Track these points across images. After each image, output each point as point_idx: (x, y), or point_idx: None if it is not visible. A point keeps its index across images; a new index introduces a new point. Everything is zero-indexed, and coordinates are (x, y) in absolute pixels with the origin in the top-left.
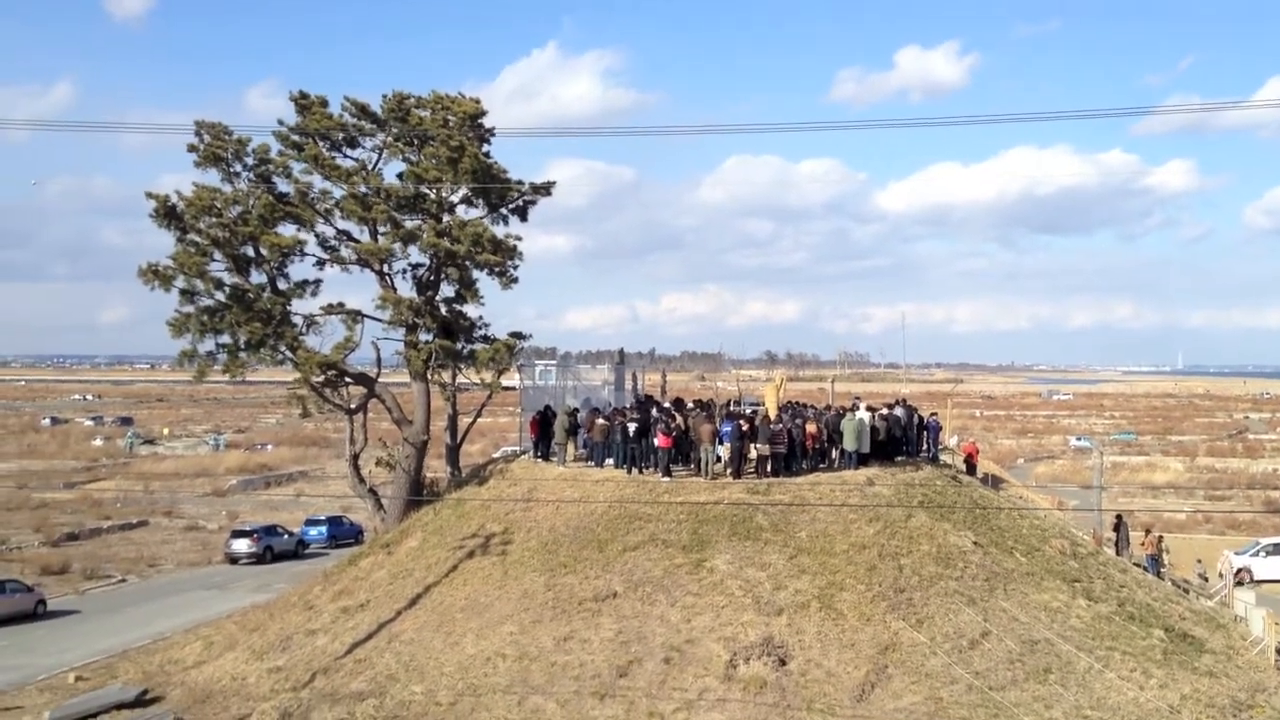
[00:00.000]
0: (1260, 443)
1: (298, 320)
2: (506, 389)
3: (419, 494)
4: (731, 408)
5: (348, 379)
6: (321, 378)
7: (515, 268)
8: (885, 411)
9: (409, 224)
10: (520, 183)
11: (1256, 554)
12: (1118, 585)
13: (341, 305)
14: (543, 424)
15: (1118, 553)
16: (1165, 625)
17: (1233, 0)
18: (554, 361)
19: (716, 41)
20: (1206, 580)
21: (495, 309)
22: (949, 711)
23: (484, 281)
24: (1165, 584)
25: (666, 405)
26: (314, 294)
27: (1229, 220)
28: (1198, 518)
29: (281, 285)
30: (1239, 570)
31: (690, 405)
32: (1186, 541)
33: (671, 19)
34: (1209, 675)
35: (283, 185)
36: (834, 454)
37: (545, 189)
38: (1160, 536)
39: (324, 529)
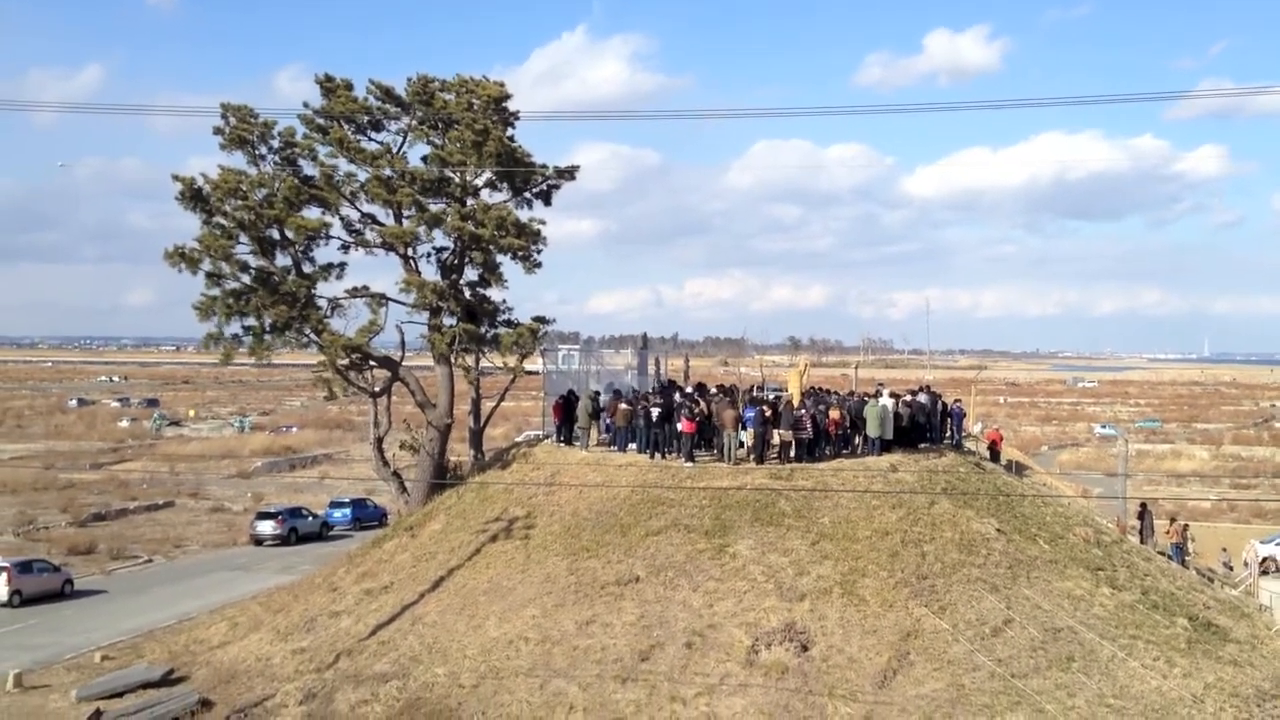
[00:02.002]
0: None
1: (322, 303)
2: (530, 373)
3: (442, 477)
4: (755, 393)
5: (372, 362)
6: (346, 361)
7: (539, 252)
8: (909, 398)
9: (433, 207)
10: (544, 167)
11: None
12: (1141, 574)
13: (366, 289)
14: (566, 408)
15: (1142, 541)
16: (1189, 614)
17: None
18: (577, 346)
19: (744, 25)
20: (1231, 569)
21: (519, 293)
22: (971, 699)
23: (507, 265)
24: (1189, 573)
25: (689, 390)
26: (339, 277)
27: (1259, 207)
28: (1223, 506)
29: (306, 268)
30: (1264, 559)
31: (713, 390)
32: (1211, 530)
33: (700, 3)
34: (1233, 664)
35: (308, 168)
36: (857, 440)
37: (569, 173)
38: (1185, 525)
39: (348, 511)
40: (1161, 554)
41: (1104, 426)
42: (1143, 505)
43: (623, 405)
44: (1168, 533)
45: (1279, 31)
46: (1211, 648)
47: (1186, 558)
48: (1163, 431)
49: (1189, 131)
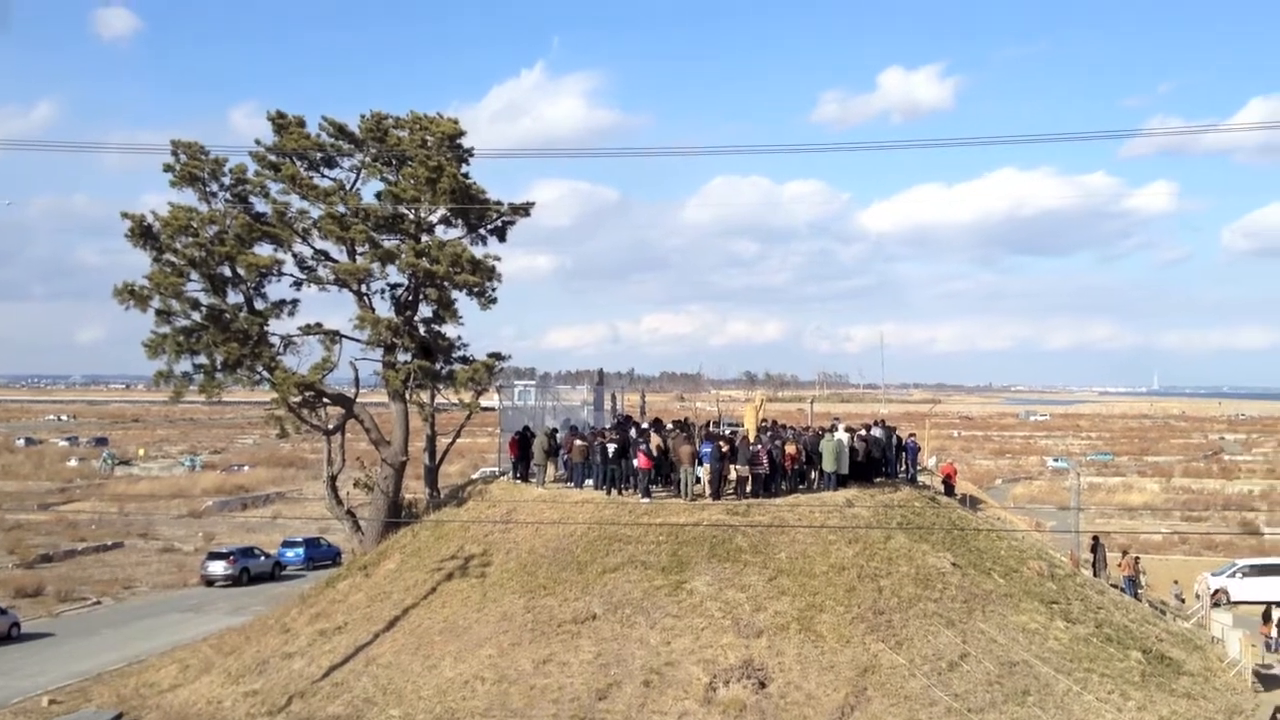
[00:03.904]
0: (1236, 464)
1: (275, 340)
2: (485, 409)
3: (397, 515)
4: (711, 428)
5: (325, 399)
6: (299, 398)
7: (494, 288)
8: (864, 432)
9: (387, 244)
10: (499, 203)
11: (1233, 575)
12: (1095, 607)
13: (319, 325)
14: (522, 445)
15: (1095, 574)
16: (1143, 647)
17: (1212, 25)
18: (533, 382)
19: (701, 63)
20: (1183, 601)
21: (475, 329)
22: None
23: (463, 302)
24: (1142, 605)
25: (645, 426)
26: (291, 314)
27: (1207, 243)
28: (1174, 539)
29: (259, 305)
30: (1215, 591)
31: (669, 426)
32: (1163, 563)
33: (658, 41)
34: (1186, 697)
35: (260, 205)
36: (813, 475)
37: (524, 209)
38: (1137, 558)
39: (301, 551)
40: (1114, 587)
41: (1056, 460)
42: (1095, 538)
43: (579, 441)
44: (1120, 566)
45: (1225, 71)
46: (1165, 680)
47: (1139, 590)
48: (1114, 465)
49: (1139, 169)
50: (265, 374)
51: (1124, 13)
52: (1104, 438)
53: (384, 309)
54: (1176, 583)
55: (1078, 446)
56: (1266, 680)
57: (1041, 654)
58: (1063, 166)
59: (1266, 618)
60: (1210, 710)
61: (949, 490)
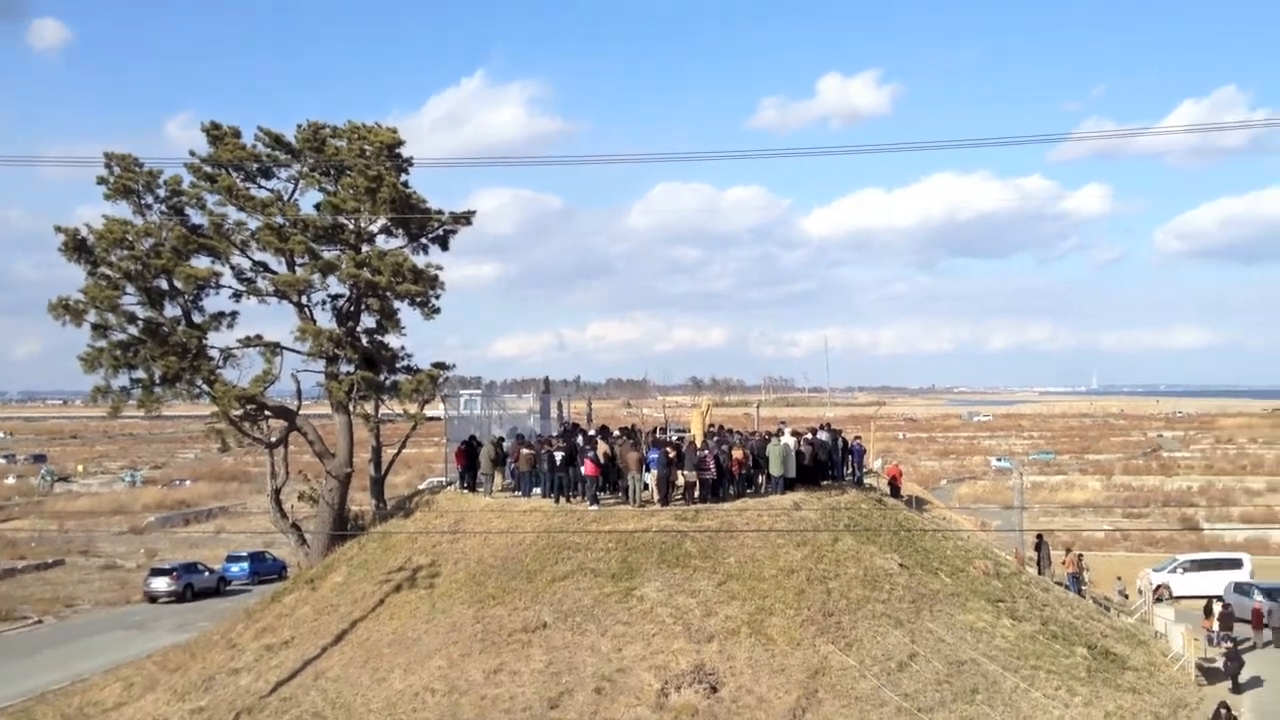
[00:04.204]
0: (1174, 460)
1: (214, 353)
2: (431, 420)
3: (343, 528)
4: (658, 434)
5: (267, 412)
6: (240, 411)
7: (437, 297)
8: (810, 436)
9: (327, 255)
10: (440, 212)
11: (1174, 570)
12: (1040, 604)
13: (259, 337)
14: (468, 454)
15: (1039, 572)
16: (1088, 643)
17: (1144, 29)
18: (479, 391)
19: (643, 71)
20: (1126, 597)
21: (419, 339)
22: None
23: (406, 312)
24: (1086, 602)
25: (592, 433)
26: (230, 326)
27: (1141, 244)
28: (1116, 535)
29: (197, 318)
30: (1158, 587)
31: (616, 433)
32: (1106, 559)
33: (600, 49)
34: (1131, 692)
35: (196, 217)
36: (760, 479)
37: (466, 218)
38: (1080, 555)
39: (246, 565)
40: (1059, 584)
41: (1000, 460)
42: (1039, 537)
43: (525, 450)
44: (1064, 563)
45: (1156, 74)
46: (1110, 676)
47: (1083, 587)
48: (1056, 463)
49: (1074, 171)
50: (205, 387)
51: (1056, 17)
52: (1045, 437)
53: (325, 320)
54: (1119, 579)
55: (1020, 446)
56: (1209, 674)
57: (989, 652)
58: (1000, 170)
59: (1208, 612)
60: (1155, 704)
61: (895, 492)
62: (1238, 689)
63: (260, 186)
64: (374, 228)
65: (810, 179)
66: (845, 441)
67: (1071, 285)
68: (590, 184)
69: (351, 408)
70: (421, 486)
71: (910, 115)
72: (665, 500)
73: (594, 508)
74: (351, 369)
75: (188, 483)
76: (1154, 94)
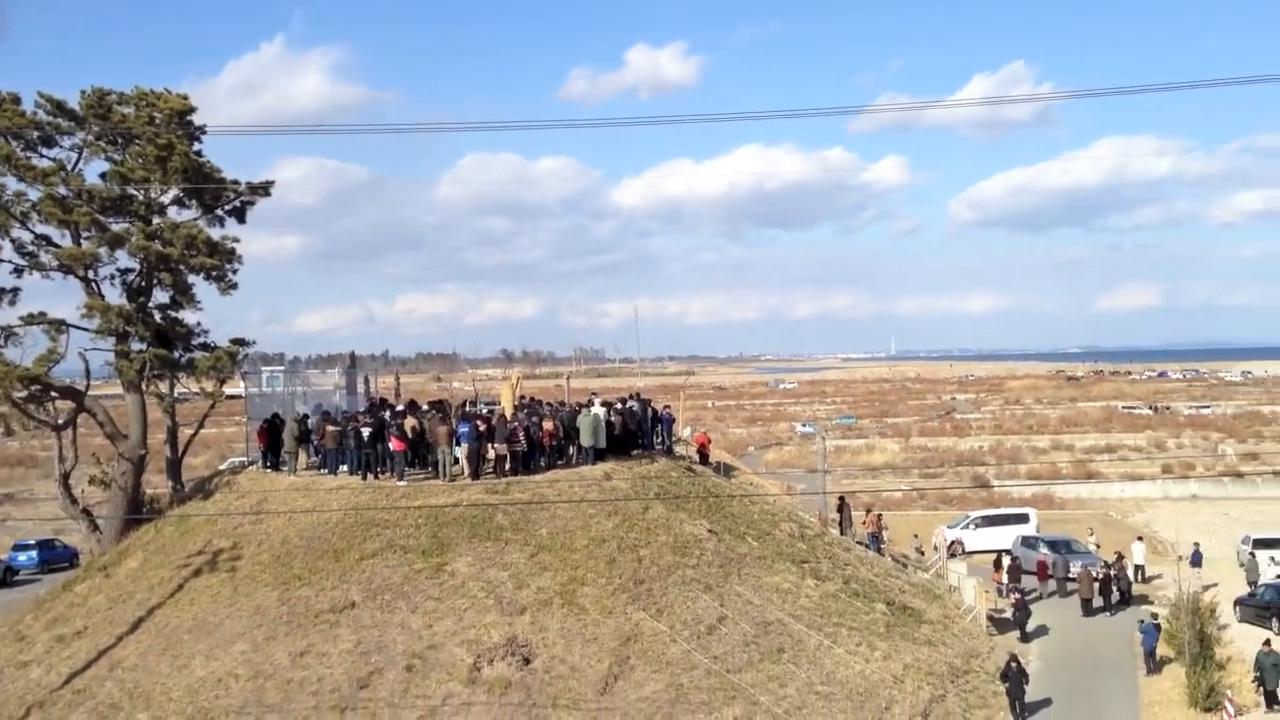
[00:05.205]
0: (967, 422)
1: None
2: (231, 398)
3: (138, 512)
4: (468, 408)
5: (54, 393)
6: (24, 393)
7: (234, 271)
8: (620, 406)
9: (115, 227)
10: (236, 182)
11: (967, 527)
12: (843, 564)
13: (43, 315)
14: (271, 433)
15: (841, 532)
16: (887, 599)
17: (938, 3)
18: (281, 368)
19: (449, 38)
20: (923, 554)
21: (218, 314)
22: (689, 697)
23: (201, 286)
24: (885, 560)
25: (400, 408)
26: (12, 303)
27: (936, 214)
28: (913, 495)
29: None
30: (952, 543)
31: (425, 407)
32: (904, 518)
33: (403, 15)
34: (928, 644)
35: None
36: (571, 450)
37: (264, 189)
38: (880, 515)
39: (34, 554)
40: (860, 544)
41: (804, 425)
42: (841, 499)
43: (331, 427)
44: (865, 523)
45: (951, 48)
46: (908, 630)
47: (882, 546)
48: (857, 428)
49: (872, 144)
50: None
51: None
52: (848, 402)
53: (115, 296)
54: (916, 536)
55: (824, 412)
56: (999, 624)
57: (794, 612)
58: (803, 143)
59: (997, 565)
60: (949, 655)
61: (704, 459)
62: (1025, 638)
63: (42, 155)
64: (165, 199)
65: (620, 150)
66: (655, 411)
67: (871, 254)
68: (398, 154)
69: (145, 387)
70: (222, 467)
71: (716, 87)
72: (476, 474)
73: (402, 483)
74: (144, 347)
75: None
76: (947, 69)
